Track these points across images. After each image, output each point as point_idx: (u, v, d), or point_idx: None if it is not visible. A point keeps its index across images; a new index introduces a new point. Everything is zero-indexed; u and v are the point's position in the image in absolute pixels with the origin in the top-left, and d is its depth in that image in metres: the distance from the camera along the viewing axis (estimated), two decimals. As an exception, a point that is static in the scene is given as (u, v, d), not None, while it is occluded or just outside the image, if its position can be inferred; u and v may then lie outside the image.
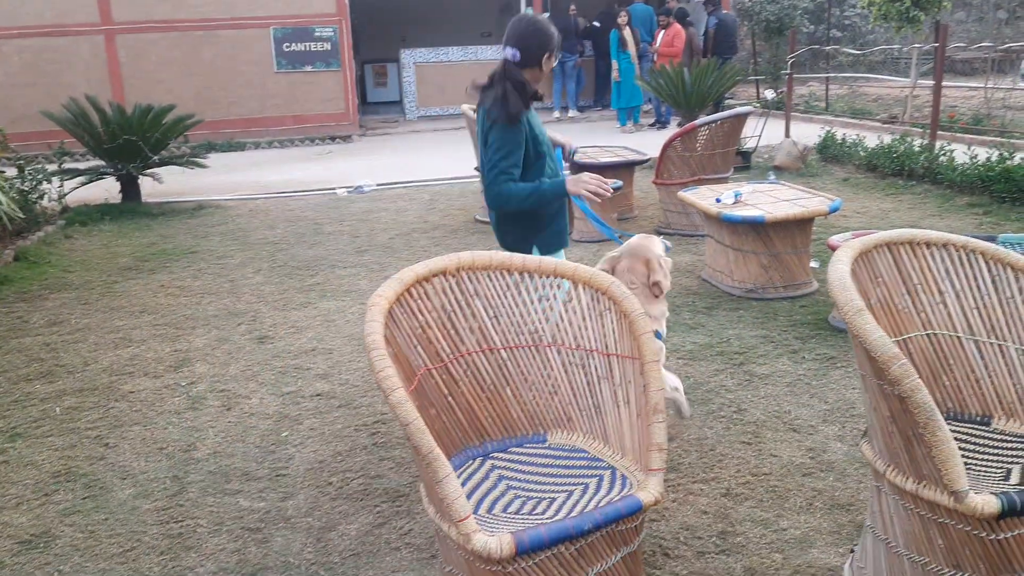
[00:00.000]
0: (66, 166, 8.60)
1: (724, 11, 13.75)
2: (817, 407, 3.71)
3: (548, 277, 2.62)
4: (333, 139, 13.92)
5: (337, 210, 8.64)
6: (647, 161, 7.85)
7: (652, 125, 13.53)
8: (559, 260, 2.62)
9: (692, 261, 6.10)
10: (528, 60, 3.12)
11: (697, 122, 6.57)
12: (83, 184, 8.69)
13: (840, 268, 2.33)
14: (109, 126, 8.51)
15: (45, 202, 8.02)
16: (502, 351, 2.61)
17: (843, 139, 9.40)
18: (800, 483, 3.10)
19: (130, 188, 9.00)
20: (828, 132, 9.73)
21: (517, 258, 2.63)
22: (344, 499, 3.19)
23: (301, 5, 13.72)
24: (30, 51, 13.06)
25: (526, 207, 3.12)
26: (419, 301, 2.49)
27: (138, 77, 13.30)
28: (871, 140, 9.22)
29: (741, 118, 6.74)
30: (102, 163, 8.92)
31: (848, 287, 2.24)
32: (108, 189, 9.01)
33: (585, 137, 11.49)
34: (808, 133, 10.49)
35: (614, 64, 12.74)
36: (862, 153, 8.92)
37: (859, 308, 2.18)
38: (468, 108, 7.69)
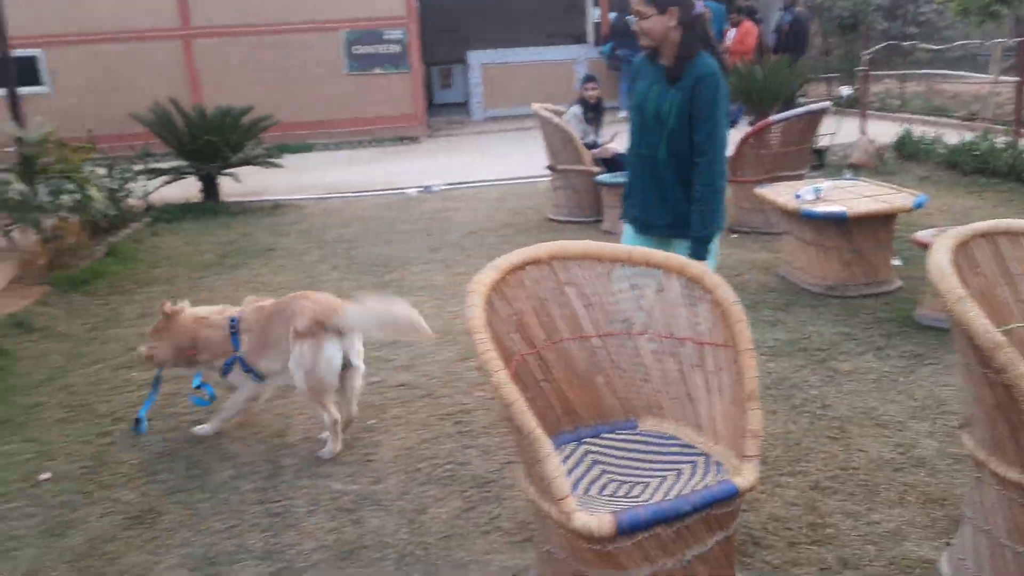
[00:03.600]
0: (150, 167, 8.94)
1: (797, 8, 13.55)
2: (905, 404, 3.66)
3: (639, 266, 2.65)
4: (401, 140, 14.13)
5: (408, 209, 8.78)
6: (719, 159, 7.81)
7: (720, 124, 13.41)
8: (650, 249, 2.66)
9: (768, 259, 6.05)
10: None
11: (772, 119, 6.52)
12: (165, 184, 9.01)
13: (940, 257, 2.31)
14: (191, 128, 8.82)
15: (131, 200, 8.34)
16: (594, 339, 2.66)
17: (921, 137, 9.19)
18: (890, 478, 3.07)
19: (210, 188, 9.29)
20: (906, 130, 9.52)
21: (608, 247, 2.67)
22: (433, 484, 3.27)
23: (371, 8, 13.97)
24: (110, 56, 13.58)
25: None
26: (515, 289, 2.55)
27: (213, 81, 13.69)
28: (949, 138, 8.99)
29: (817, 115, 6.66)
30: (184, 163, 9.24)
31: (949, 275, 2.23)
32: (189, 188, 9.31)
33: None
34: (883, 131, 10.26)
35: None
36: (941, 151, 8.71)
37: (961, 296, 2.16)
38: (540, 107, 7.75)
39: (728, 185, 7.01)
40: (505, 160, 11.45)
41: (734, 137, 7.45)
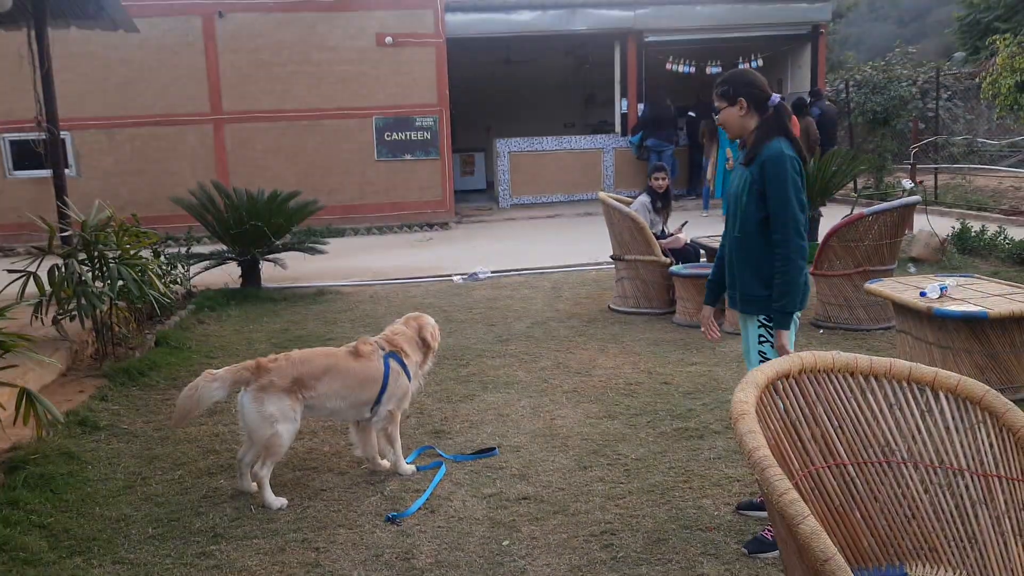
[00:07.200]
0: (191, 251, 8.62)
1: (826, 102, 13.62)
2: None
3: (899, 382, 2.31)
4: (431, 226, 13.94)
5: (460, 297, 8.46)
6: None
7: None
8: (914, 364, 2.31)
9: (868, 358, 5.71)
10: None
11: (866, 211, 6.28)
12: (207, 269, 8.69)
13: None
14: (237, 211, 8.53)
15: (174, 286, 7.98)
16: (849, 467, 2.29)
17: (983, 230, 9.01)
18: None
19: (251, 273, 8.96)
20: (963, 223, 9.36)
21: (862, 360, 2.33)
22: (609, 626, 2.83)
23: (403, 95, 13.95)
24: (140, 139, 13.44)
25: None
26: (767, 407, 2.20)
27: (243, 164, 13.55)
28: (990, 231, 8.87)
29: (910, 208, 6.43)
30: (224, 248, 8.93)
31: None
32: (229, 273, 8.99)
33: (688, 227, 11.24)
34: (934, 224, 10.11)
35: (728, 152, 12.64)
36: (1007, 245, 8.51)
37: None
38: (606, 196, 7.53)
39: (813, 279, 6.81)
40: (545, 248, 11.22)
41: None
